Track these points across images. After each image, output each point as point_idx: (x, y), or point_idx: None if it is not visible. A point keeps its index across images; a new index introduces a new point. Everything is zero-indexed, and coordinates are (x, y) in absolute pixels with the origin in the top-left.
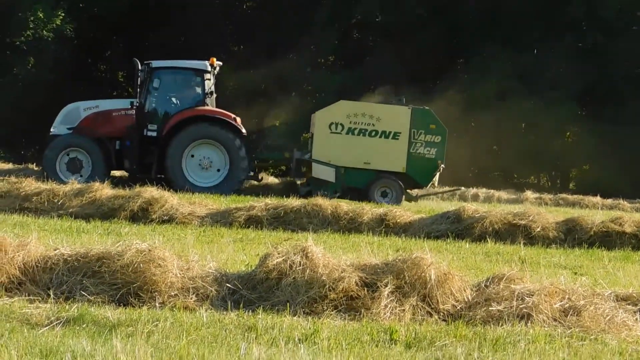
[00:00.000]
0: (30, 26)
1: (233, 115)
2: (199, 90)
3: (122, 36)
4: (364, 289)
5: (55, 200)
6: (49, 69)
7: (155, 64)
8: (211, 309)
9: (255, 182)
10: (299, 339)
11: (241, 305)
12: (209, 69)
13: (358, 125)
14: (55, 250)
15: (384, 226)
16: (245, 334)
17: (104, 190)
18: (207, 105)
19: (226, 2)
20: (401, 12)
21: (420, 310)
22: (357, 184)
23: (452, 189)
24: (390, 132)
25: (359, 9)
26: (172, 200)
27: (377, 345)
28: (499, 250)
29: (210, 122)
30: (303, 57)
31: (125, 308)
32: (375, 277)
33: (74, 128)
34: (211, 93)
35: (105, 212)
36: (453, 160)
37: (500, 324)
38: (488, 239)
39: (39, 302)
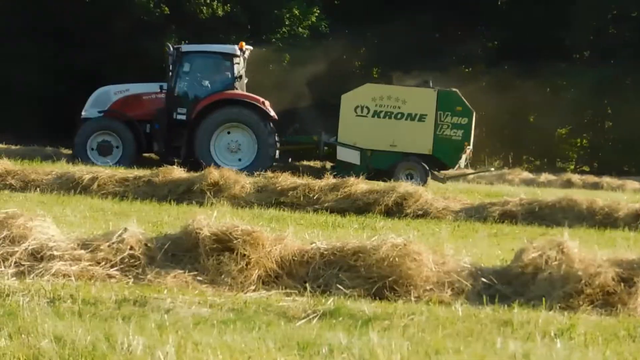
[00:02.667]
0: (286, 23)
1: (262, 99)
2: (228, 74)
3: (373, 31)
4: (621, 284)
5: (311, 195)
6: (304, 65)
7: (185, 47)
8: (466, 303)
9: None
10: (555, 334)
11: (496, 299)
12: (238, 52)
13: (384, 108)
14: (311, 244)
15: None
16: (501, 329)
17: (359, 185)
18: (237, 89)
19: None
20: None
21: None
22: (382, 166)
23: (480, 170)
24: (416, 115)
25: (614, 3)
26: (426, 195)
27: (634, 341)
28: None
29: (239, 106)
30: (557, 52)
31: (381, 302)
32: (632, 273)
33: (104, 111)
34: (240, 77)
35: (360, 207)
36: None
37: None
38: None
39: (296, 295)
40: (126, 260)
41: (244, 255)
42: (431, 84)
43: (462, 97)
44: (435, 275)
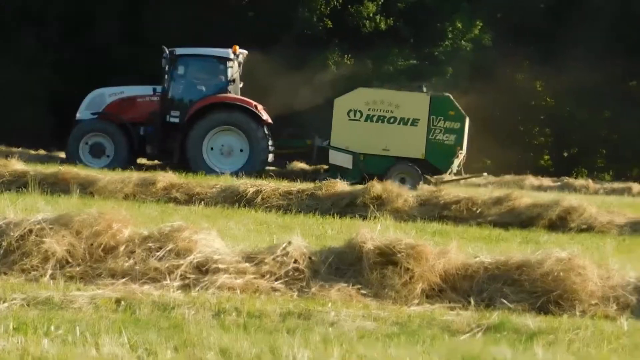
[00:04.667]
0: (449, 36)
1: (254, 103)
2: (222, 77)
3: (537, 45)
4: None
5: (474, 209)
6: (467, 78)
7: (179, 51)
8: (632, 318)
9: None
10: None
11: None
12: (232, 56)
13: (376, 112)
14: (475, 258)
15: None
16: None
17: (522, 199)
18: (230, 92)
19: None
20: None
21: None
22: (375, 170)
23: (474, 175)
24: (409, 119)
25: None
26: (590, 209)
27: None
28: None
29: (232, 109)
30: None
31: (545, 316)
32: None
33: (98, 113)
34: (234, 80)
35: (523, 220)
36: None
37: None
38: None
39: (460, 309)
40: (290, 273)
41: (408, 269)
42: (424, 89)
43: (455, 102)
44: (600, 289)
